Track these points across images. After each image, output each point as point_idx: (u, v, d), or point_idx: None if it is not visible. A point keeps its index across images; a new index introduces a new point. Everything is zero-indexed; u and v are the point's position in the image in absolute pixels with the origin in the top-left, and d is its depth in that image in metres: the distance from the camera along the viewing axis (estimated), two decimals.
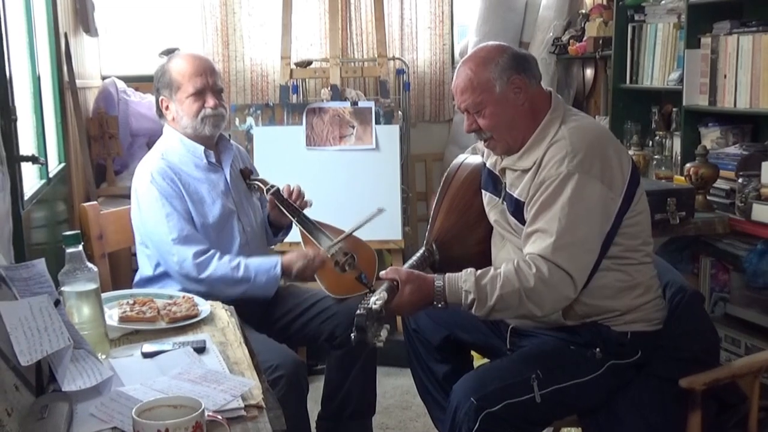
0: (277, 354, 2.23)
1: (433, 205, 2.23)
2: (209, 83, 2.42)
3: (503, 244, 2.14)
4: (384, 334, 1.83)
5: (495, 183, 2.16)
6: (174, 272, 2.37)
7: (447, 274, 1.93)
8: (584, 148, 1.94)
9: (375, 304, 1.81)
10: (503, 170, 2.10)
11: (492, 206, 2.17)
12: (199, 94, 2.41)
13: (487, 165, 2.21)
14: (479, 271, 1.92)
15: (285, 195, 2.54)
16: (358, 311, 1.79)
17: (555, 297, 1.90)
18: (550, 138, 1.99)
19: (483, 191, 2.22)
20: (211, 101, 2.42)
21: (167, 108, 2.46)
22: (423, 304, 1.94)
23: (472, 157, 2.34)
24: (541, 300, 1.88)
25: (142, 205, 2.40)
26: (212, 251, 2.36)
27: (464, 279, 1.90)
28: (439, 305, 1.93)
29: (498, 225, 2.14)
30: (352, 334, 1.79)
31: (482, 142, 2.14)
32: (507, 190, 2.08)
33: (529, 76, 2.03)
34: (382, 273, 1.96)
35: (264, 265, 2.38)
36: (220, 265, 2.33)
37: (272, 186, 2.56)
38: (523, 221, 2.01)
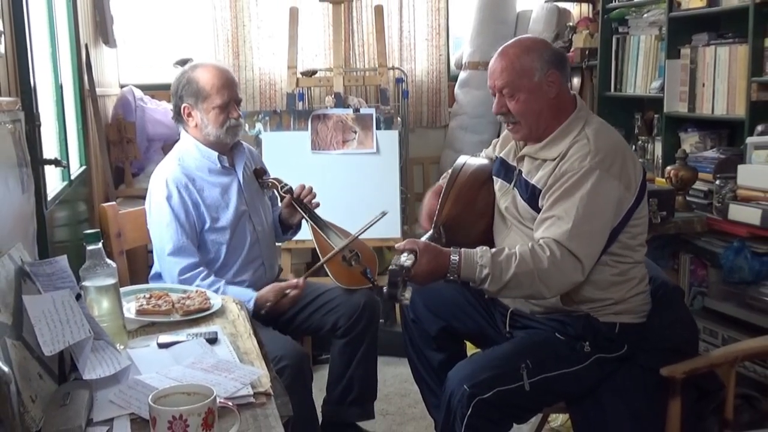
0: (281, 346, 2.23)
1: (441, 194, 2.20)
2: (233, 96, 2.42)
3: (507, 232, 2.13)
4: (408, 294, 1.83)
5: (507, 171, 2.16)
6: (164, 279, 2.39)
7: (463, 249, 1.91)
8: (606, 148, 1.95)
9: (406, 262, 1.82)
10: (522, 158, 2.10)
11: (503, 192, 2.16)
12: (225, 106, 2.40)
13: (501, 155, 2.21)
14: (494, 249, 1.91)
15: (296, 193, 2.55)
16: (390, 267, 1.80)
17: (564, 280, 1.90)
18: (575, 135, 2.00)
19: (495, 178, 2.21)
20: (234, 113, 2.42)
21: (190, 115, 2.43)
22: (438, 274, 1.90)
23: (474, 158, 2.33)
24: (551, 282, 1.88)
25: (152, 209, 2.42)
26: (199, 270, 2.35)
27: (480, 255, 1.89)
28: (452, 278, 1.91)
29: (507, 212, 2.13)
30: (384, 288, 1.81)
31: (506, 126, 2.12)
32: (523, 176, 2.07)
33: (563, 75, 2.04)
34: (399, 244, 1.92)
35: (239, 297, 2.31)
36: (201, 286, 2.29)
37: (286, 184, 2.56)
38: (535, 207, 2.01)
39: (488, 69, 2.10)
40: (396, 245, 1.95)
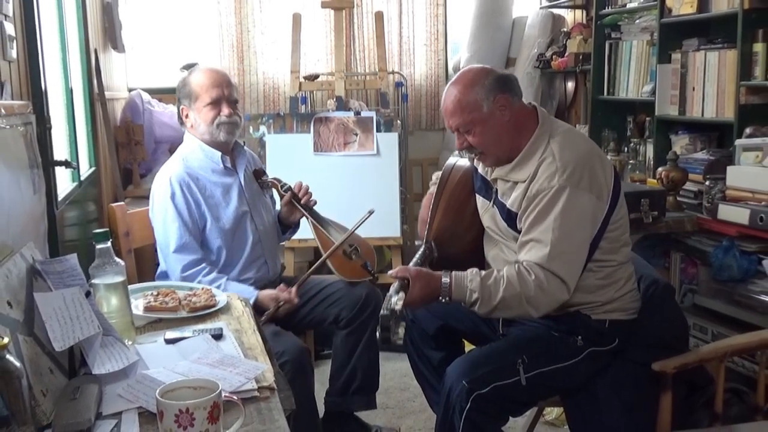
0: (283, 342, 2.24)
1: (430, 205, 2.21)
2: (224, 94, 2.44)
3: (495, 243, 2.12)
4: (402, 332, 1.84)
5: (487, 188, 2.14)
6: (169, 276, 2.39)
7: (453, 272, 1.91)
8: (573, 162, 1.92)
9: (397, 305, 1.83)
10: (495, 179, 2.08)
11: (484, 210, 2.15)
12: (215, 104, 2.42)
13: (479, 171, 2.18)
14: (484, 272, 1.90)
15: (295, 191, 2.56)
16: (382, 312, 1.83)
17: (551, 301, 1.90)
18: (541, 153, 1.97)
19: (477, 195, 2.19)
20: (225, 110, 2.43)
21: (187, 116, 2.48)
22: (430, 299, 1.92)
23: (462, 159, 2.29)
24: (539, 304, 1.88)
25: (155, 207, 2.42)
26: (201, 266, 2.35)
27: (470, 278, 1.89)
28: (444, 300, 1.92)
29: (490, 230, 2.13)
30: (377, 333, 1.80)
31: (474, 158, 2.12)
32: (499, 197, 2.06)
33: (511, 95, 2.01)
34: (392, 272, 1.94)
35: (242, 294, 2.31)
36: (203, 282, 2.30)
37: (285, 184, 2.58)
38: (514, 228, 1.99)
39: (441, 108, 2.09)
40: (389, 272, 1.96)
